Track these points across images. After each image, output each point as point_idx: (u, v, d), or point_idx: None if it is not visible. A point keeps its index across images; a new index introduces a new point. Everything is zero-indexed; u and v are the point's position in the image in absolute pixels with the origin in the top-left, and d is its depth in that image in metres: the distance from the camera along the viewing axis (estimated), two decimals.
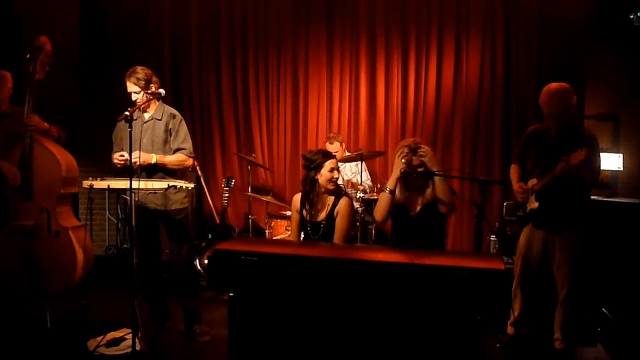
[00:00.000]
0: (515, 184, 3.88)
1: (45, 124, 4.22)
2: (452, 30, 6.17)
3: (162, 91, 3.96)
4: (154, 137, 4.01)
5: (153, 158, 3.90)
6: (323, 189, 3.76)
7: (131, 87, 3.95)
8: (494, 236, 5.59)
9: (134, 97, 3.96)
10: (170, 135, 4.04)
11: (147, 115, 4.05)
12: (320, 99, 6.47)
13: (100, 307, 4.65)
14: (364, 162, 5.79)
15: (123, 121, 3.58)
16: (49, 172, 4.11)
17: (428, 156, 3.47)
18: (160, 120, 4.04)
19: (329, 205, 3.78)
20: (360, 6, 6.34)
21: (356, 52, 6.40)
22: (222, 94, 6.58)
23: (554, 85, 3.72)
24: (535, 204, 3.72)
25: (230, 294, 2.75)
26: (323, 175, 3.72)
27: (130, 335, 3.52)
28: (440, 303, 2.48)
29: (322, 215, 3.77)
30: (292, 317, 2.69)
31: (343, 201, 3.77)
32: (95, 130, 6.10)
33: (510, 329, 3.96)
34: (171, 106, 4.20)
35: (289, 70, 6.51)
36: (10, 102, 4.36)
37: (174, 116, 4.07)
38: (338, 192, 3.83)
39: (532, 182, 3.75)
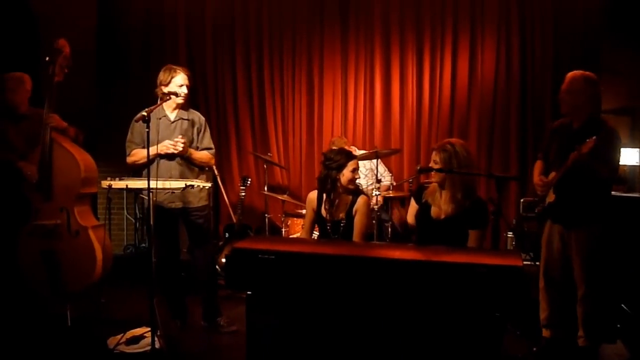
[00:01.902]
0: (536, 177, 3.80)
1: (64, 122, 4.27)
2: (466, 26, 6.15)
3: (178, 91, 4.04)
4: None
5: (188, 150, 4.04)
6: (343, 189, 3.78)
7: (185, 80, 4.11)
8: (511, 233, 5.56)
9: (183, 90, 4.08)
10: (198, 136, 4.17)
11: (173, 115, 4.14)
12: (335, 98, 6.47)
13: (119, 305, 4.70)
14: (379, 160, 5.78)
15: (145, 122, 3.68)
16: (69, 172, 4.16)
17: (439, 165, 3.41)
18: (187, 120, 4.15)
19: (347, 204, 3.79)
20: (375, 3, 6.33)
21: (371, 50, 6.39)
22: (238, 93, 6.61)
23: (572, 72, 3.67)
24: (553, 197, 3.68)
25: (248, 292, 2.77)
26: (345, 175, 3.74)
27: (150, 333, 3.56)
28: (459, 300, 2.47)
29: (342, 214, 3.79)
30: (310, 315, 2.70)
31: (361, 199, 3.78)
32: (112, 131, 6.14)
33: (545, 332, 3.87)
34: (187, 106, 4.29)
35: (303, 69, 6.53)
36: (29, 104, 4.41)
37: (199, 118, 4.22)
38: (356, 190, 3.84)
39: (553, 175, 3.66)
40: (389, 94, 6.36)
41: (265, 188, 6.04)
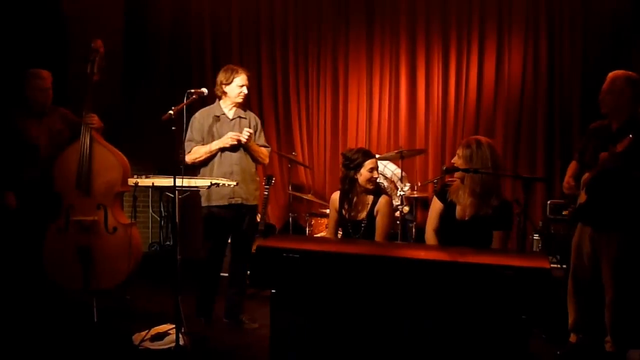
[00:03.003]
0: (567, 178, 3.73)
1: (101, 122, 4.32)
2: (493, 26, 6.08)
3: (204, 90, 4.06)
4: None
5: (252, 140, 4.19)
6: (362, 189, 3.76)
7: (245, 80, 4.24)
8: (537, 235, 5.49)
9: (243, 90, 4.21)
10: (255, 133, 4.28)
11: (231, 113, 4.25)
12: (360, 98, 6.46)
13: (144, 302, 4.74)
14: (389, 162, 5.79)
15: (207, 115, 4.11)
16: (110, 171, 4.21)
17: (460, 160, 3.40)
18: (244, 118, 4.28)
19: (368, 204, 3.77)
20: (401, 3, 6.30)
21: (396, 50, 6.36)
22: (263, 93, 6.63)
23: (614, 71, 3.57)
24: (584, 197, 3.58)
25: (273, 291, 2.77)
26: (362, 174, 3.71)
27: (174, 330, 3.59)
28: (484, 302, 2.44)
29: (363, 215, 3.77)
30: (334, 314, 2.69)
31: (383, 200, 3.76)
32: (137, 130, 6.24)
33: (572, 337, 3.81)
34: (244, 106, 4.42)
35: (328, 68, 6.52)
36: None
37: (255, 117, 4.38)
38: (377, 190, 3.82)
39: (586, 176, 3.57)
40: (415, 94, 6.32)
41: (290, 187, 6.05)
